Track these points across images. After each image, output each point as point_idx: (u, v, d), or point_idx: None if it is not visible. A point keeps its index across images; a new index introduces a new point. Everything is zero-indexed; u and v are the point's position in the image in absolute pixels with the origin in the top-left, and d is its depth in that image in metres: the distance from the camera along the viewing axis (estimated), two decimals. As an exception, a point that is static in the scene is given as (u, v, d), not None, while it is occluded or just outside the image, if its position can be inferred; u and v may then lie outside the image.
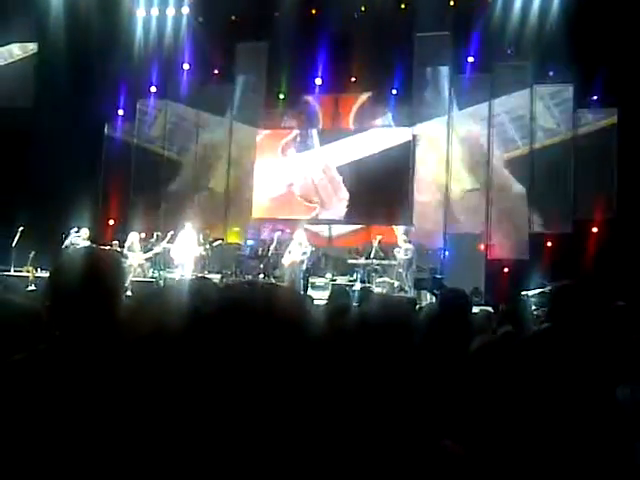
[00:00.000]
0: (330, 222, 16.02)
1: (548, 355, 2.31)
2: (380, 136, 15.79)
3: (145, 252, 13.74)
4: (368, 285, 12.92)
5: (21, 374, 1.56)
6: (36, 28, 15.96)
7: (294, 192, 16.33)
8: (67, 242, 13.14)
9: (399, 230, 14.78)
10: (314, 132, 16.35)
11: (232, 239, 16.33)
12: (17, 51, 16.48)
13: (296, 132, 16.49)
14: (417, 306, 6.09)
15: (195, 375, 1.05)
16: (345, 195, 15.94)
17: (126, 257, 12.99)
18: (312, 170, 16.22)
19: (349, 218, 15.89)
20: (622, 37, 12.23)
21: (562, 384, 2.01)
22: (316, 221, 16.03)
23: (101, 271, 1.81)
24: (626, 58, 12.33)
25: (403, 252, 13.06)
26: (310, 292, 12.68)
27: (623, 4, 12.29)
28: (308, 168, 16.27)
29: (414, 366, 1.77)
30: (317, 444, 1.09)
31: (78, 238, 13.19)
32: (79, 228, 13.34)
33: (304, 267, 12.77)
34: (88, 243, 12.96)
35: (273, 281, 13.47)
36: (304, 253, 12.76)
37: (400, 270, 13.10)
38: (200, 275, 11.23)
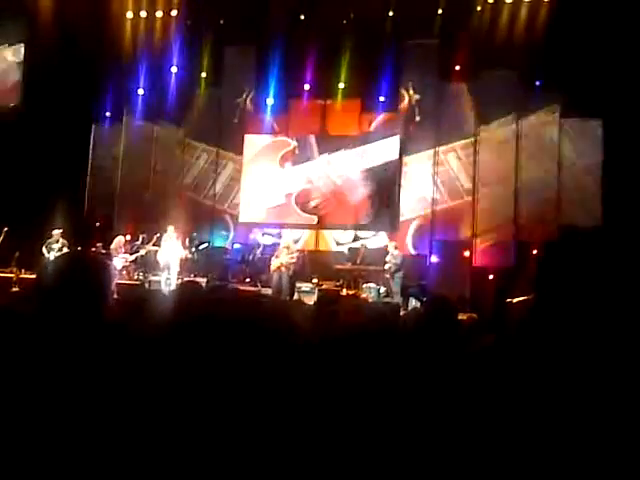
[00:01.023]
0: (317, 227, 16.02)
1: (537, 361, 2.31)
2: (367, 142, 15.80)
3: (131, 254, 13.71)
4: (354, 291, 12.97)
5: (10, 376, 1.55)
6: (24, 29, 15.85)
7: (291, 203, 16.31)
8: (45, 245, 13.09)
9: (387, 236, 14.85)
10: (312, 141, 16.27)
11: (218, 243, 16.30)
12: (9, 56, 16.37)
13: (294, 144, 16.45)
14: (401, 312, 6.12)
15: (182, 378, 1.05)
16: (349, 201, 15.93)
17: (111, 259, 12.96)
18: (312, 180, 16.15)
19: (336, 223, 15.88)
20: (609, 46, 12.34)
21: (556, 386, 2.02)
22: (302, 226, 16.01)
23: (87, 273, 1.81)
24: (612, 68, 12.45)
25: (392, 258, 13.13)
26: (296, 297, 12.70)
27: (611, 14, 12.41)
28: (307, 179, 16.20)
29: (400, 371, 1.77)
30: (304, 446, 1.09)
31: (52, 239, 13.17)
32: (55, 230, 13.31)
33: (290, 272, 12.78)
34: (64, 243, 12.96)
35: (259, 286, 13.48)
36: (291, 258, 12.77)
37: (387, 276, 13.15)
38: (188, 279, 11.21)
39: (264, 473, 1.06)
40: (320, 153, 16.06)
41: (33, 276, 10.35)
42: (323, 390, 1.40)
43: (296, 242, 13.73)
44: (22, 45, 16.19)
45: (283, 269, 12.68)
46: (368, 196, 15.34)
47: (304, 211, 15.95)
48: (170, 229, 13.54)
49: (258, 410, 1.07)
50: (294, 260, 12.79)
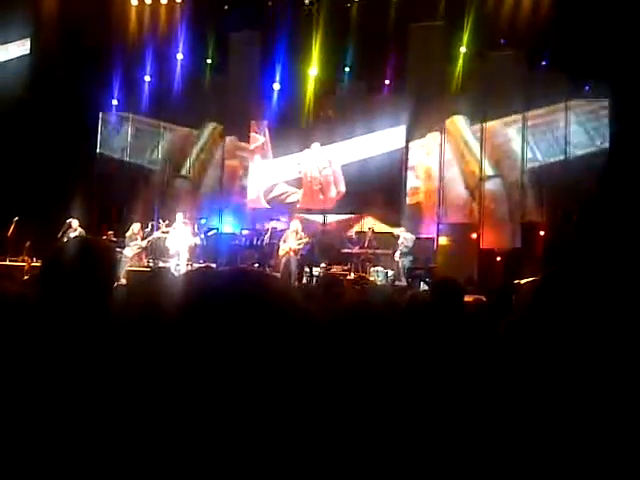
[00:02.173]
0: (324, 212, 16.06)
1: (546, 345, 2.32)
2: (373, 124, 15.78)
3: (142, 239, 13.81)
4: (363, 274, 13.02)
5: (12, 362, 1.56)
6: (31, 19, 15.86)
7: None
8: (63, 234, 13.17)
9: (398, 220, 14.91)
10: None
11: (227, 229, 16.39)
12: (15, 50, 16.39)
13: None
14: (408, 294, 6.13)
15: (186, 363, 1.06)
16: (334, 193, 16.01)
17: (122, 247, 13.06)
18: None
19: (342, 207, 15.90)
20: (616, 24, 12.24)
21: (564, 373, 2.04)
22: (310, 211, 16.06)
23: (92, 259, 1.84)
24: (620, 46, 12.35)
25: (404, 241, 13.14)
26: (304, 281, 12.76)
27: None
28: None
29: (404, 353, 1.81)
30: (314, 437, 1.10)
31: (70, 228, 13.25)
32: (72, 219, 13.38)
33: (298, 256, 12.83)
34: (81, 232, 13.04)
35: (268, 270, 13.53)
36: (299, 242, 12.81)
37: (396, 259, 13.17)
38: (202, 265, 11.25)
39: (274, 452, 1.08)
40: (318, 141, 16.13)
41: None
42: (329, 372, 1.40)
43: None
44: (28, 38, 16.18)
45: (291, 254, 12.73)
46: (372, 185, 15.37)
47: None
48: (179, 216, 13.63)
49: (268, 391, 1.09)
50: (302, 245, 12.84)
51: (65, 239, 12.87)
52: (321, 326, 1.61)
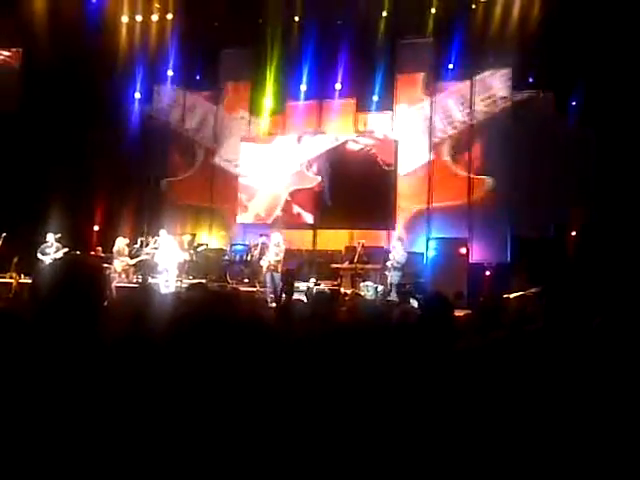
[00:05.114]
0: (312, 227, 16.06)
1: (543, 355, 2.32)
2: (362, 141, 15.86)
3: (131, 258, 13.76)
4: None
5: (3, 379, 1.56)
6: (21, 34, 15.88)
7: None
8: (40, 249, 13.08)
9: (393, 235, 14.94)
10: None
11: (217, 244, 16.36)
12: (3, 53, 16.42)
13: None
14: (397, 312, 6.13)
15: (169, 380, 1.06)
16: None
17: (110, 262, 13.00)
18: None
19: (332, 222, 15.89)
20: (602, 44, 12.40)
21: (561, 385, 2.04)
22: (299, 226, 16.05)
23: (82, 277, 1.84)
24: (605, 66, 12.51)
25: (394, 256, 13.11)
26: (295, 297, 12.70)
27: (604, 13, 12.46)
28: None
29: (394, 368, 1.81)
30: (297, 445, 1.11)
31: (47, 243, 13.17)
32: (50, 233, 13.31)
33: (284, 269, 12.69)
34: (58, 246, 12.99)
35: (257, 286, 13.49)
36: (276, 255, 12.70)
37: (387, 273, 13.14)
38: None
39: (263, 464, 1.09)
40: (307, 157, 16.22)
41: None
42: (319, 387, 1.40)
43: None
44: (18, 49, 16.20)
45: (272, 268, 12.66)
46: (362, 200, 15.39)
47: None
48: (171, 231, 13.60)
49: (259, 407, 1.10)
50: (280, 257, 12.74)
51: (41, 254, 12.82)
52: (294, 347, 1.62)
